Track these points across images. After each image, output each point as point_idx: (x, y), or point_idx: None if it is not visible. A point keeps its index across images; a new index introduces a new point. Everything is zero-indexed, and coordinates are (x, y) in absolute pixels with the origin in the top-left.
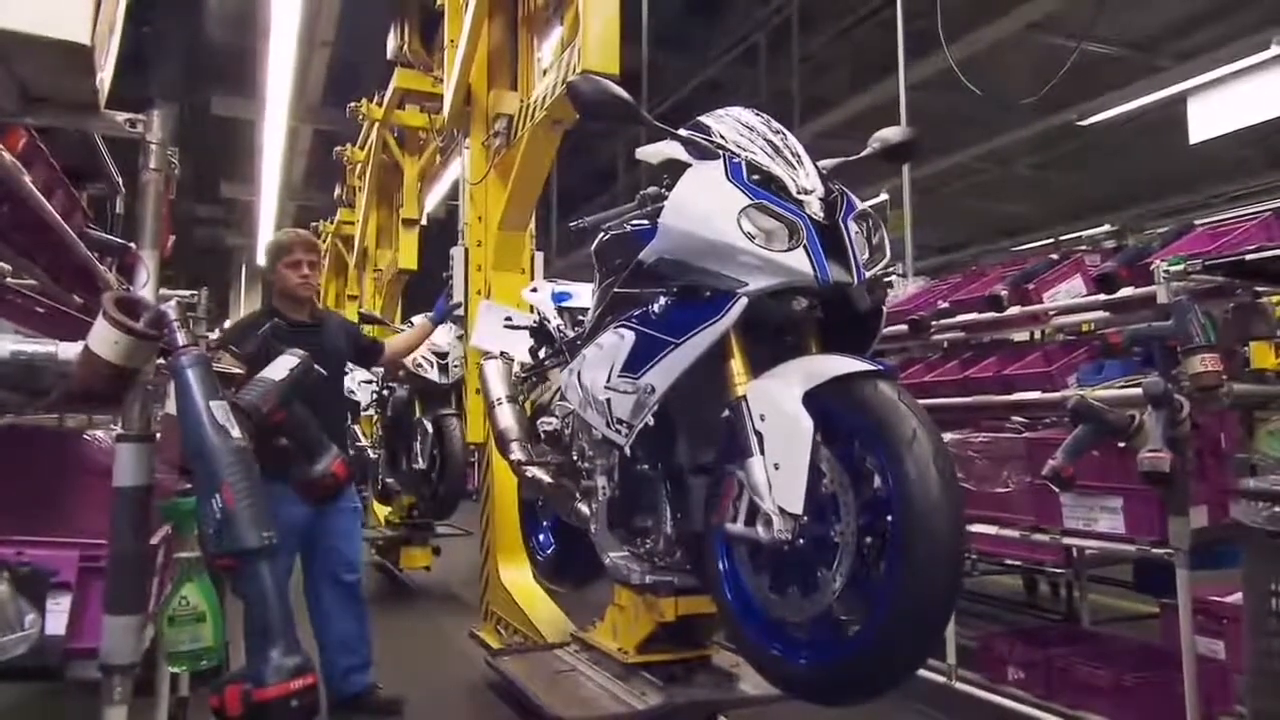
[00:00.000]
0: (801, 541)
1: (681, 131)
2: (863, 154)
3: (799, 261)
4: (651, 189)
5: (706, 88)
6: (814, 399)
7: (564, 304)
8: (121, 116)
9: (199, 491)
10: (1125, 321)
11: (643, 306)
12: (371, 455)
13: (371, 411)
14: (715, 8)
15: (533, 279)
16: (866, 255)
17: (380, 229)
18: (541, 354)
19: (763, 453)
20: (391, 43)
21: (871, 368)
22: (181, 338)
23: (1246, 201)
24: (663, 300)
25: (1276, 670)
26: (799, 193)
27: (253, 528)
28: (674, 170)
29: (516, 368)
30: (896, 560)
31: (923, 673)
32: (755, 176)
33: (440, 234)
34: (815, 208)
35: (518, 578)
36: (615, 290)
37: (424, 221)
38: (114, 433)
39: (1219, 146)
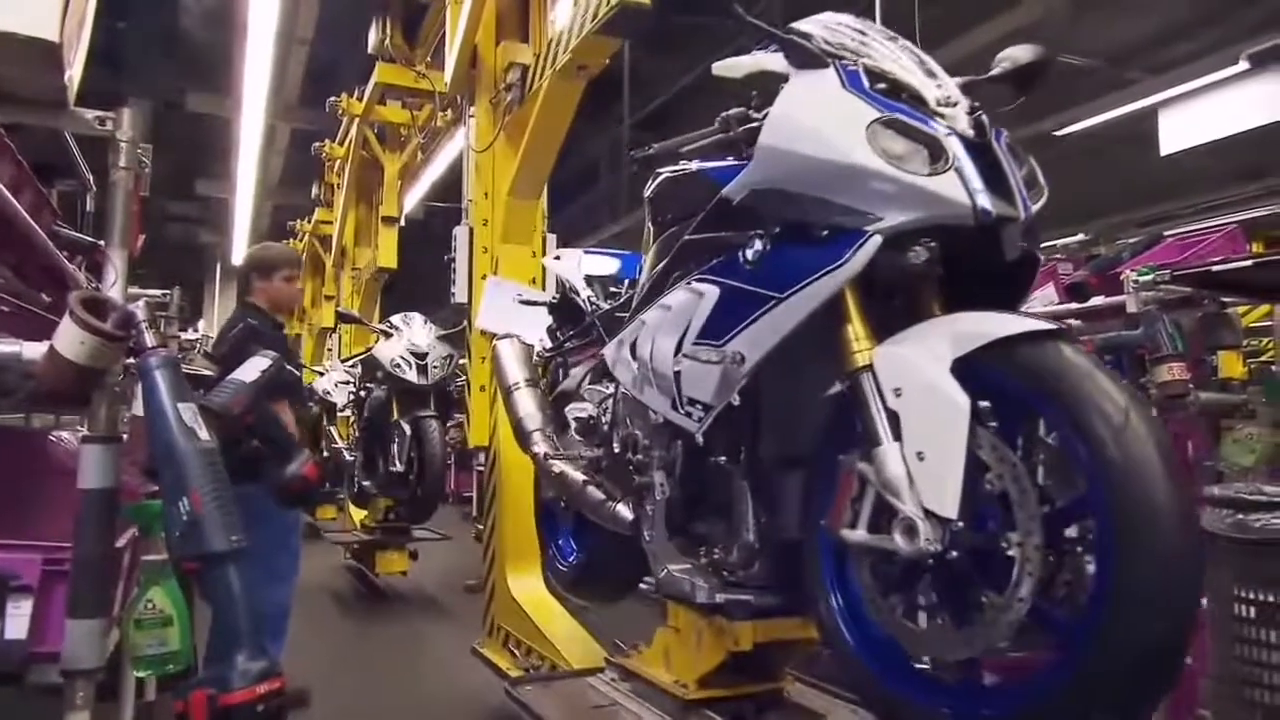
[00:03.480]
0: (955, 554)
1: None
2: (989, 75)
3: (951, 189)
4: (735, 110)
5: (690, 90)
6: (967, 369)
7: (595, 273)
8: (91, 114)
9: (166, 494)
10: (1095, 330)
11: (727, 255)
12: (348, 457)
13: (348, 413)
14: (697, 13)
15: (544, 284)
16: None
17: (359, 227)
18: (560, 336)
19: (899, 438)
20: (373, 36)
21: (1047, 326)
22: (150, 338)
23: (1215, 213)
24: (758, 245)
25: (1240, 675)
26: (939, 105)
27: (220, 531)
28: (765, 86)
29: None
30: (1107, 579)
31: None
32: (881, 86)
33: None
34: (963, 123)
35: (530, 589)
36: (686, 239)
37: (402, 222)
38: (80, 434)
39: (1189, 159)
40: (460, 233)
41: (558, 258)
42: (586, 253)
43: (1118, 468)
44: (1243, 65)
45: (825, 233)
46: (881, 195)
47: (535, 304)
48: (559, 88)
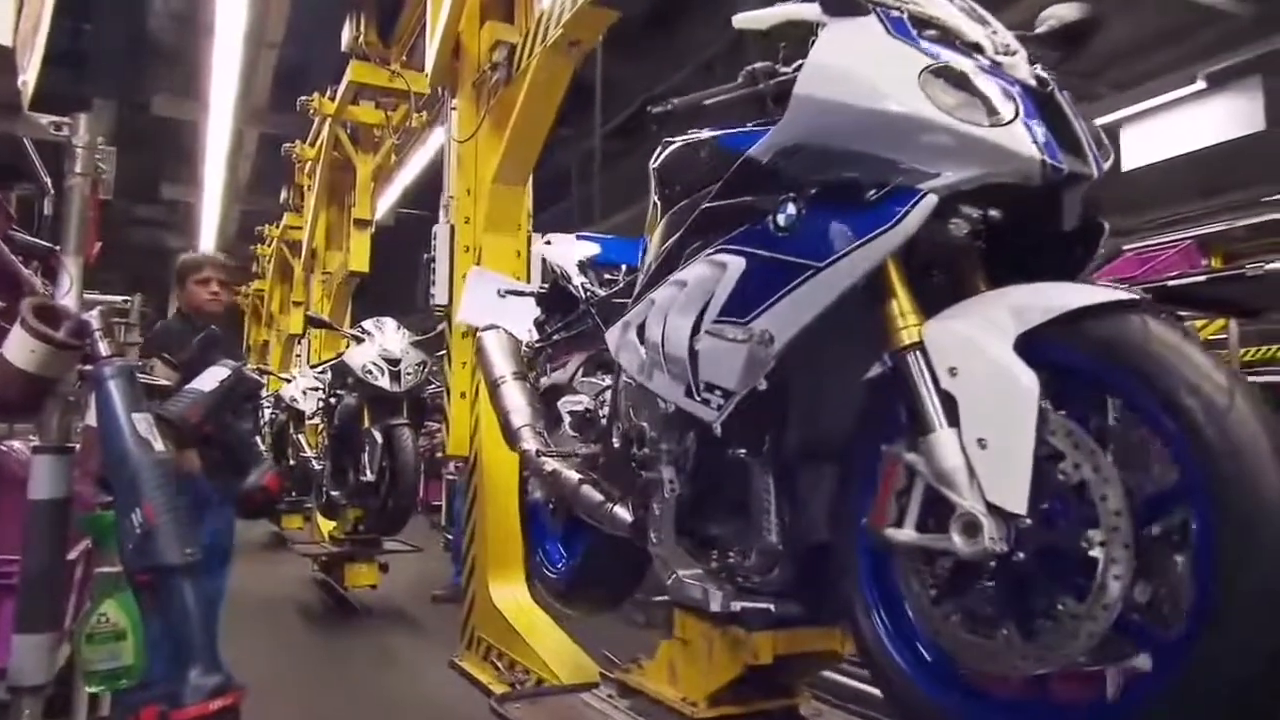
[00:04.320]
0: (1022, 555)
1: None
2: (1034, 33)
3: (1017, 141)
4: (761, 64)
5: (662, 100)
6: (1030, 346)
7: (590, 259)
8: (46, 119)
9: (119, 506)
10: None
11: (755, 222)
12: (316, 466)
13: (317, 420)
14: (673, 22)
15: (529, 277)
16: None
17: (330, 230)
18: (549, 327)
19: (954, 424)
20: (346, 34)
21: (1126, 295)
22: (104, 347)
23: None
24: (791, 209)
25: None
26: (997, 52)
27: (174, 543)
28: (796, 37)
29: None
30: (1209, 582)
31: None
32: (930, 33)
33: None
34: (1024, 71)
35: (514, 598)
36: (705, 207)
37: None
38: (31, 443)
39: (1149, 175)
40: (440, 230)
41: (549, 243)
42: (580, 238)
43: (1221, 453)
44: (1200, 85)
45: (871, 193)
46: (938, 149)
47: (522, 294)
48: (549, 65)
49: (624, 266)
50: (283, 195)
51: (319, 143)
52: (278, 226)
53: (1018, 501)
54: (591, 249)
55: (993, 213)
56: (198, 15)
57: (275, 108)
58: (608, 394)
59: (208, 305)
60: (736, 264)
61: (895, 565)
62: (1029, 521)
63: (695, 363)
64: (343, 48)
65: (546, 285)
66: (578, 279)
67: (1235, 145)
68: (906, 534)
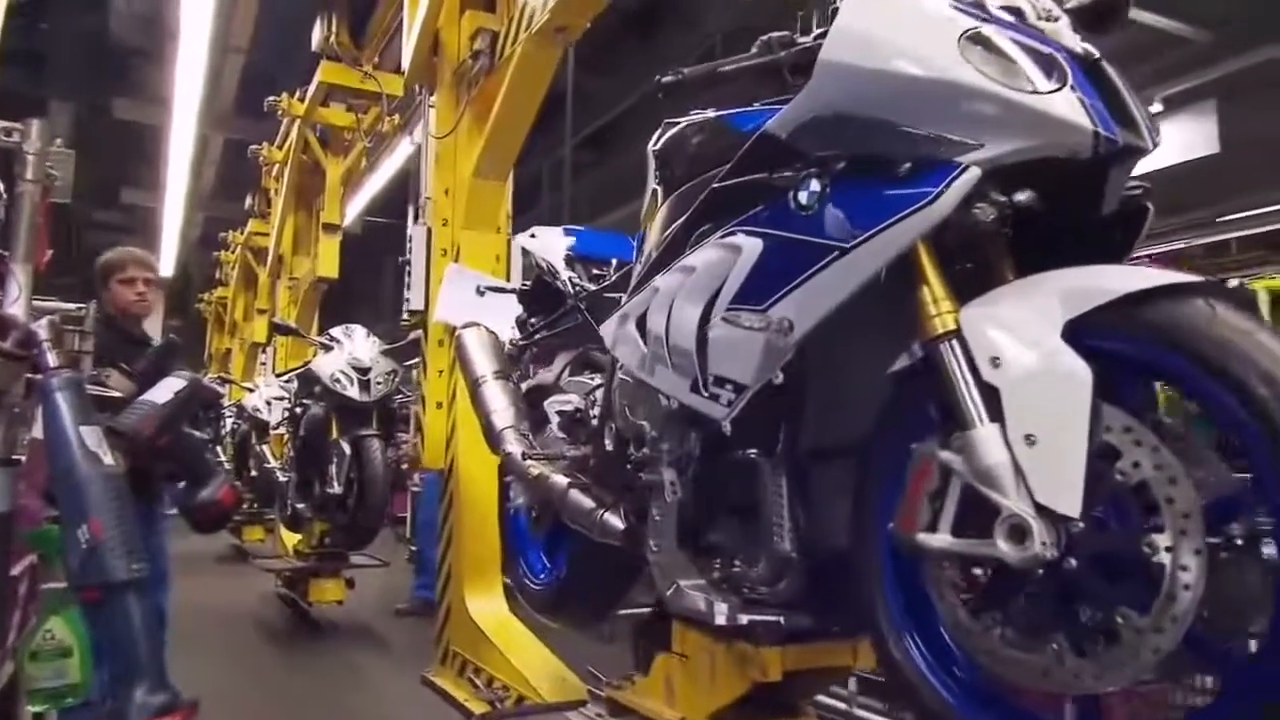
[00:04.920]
0: (1074, 562)
1: None
2: (1064, 8)
3: (1068, 110)
4: (778, 34)
5: (633, 114)
6: (1078, 334)
7: (578, 252)
8: None
9: (65, 520)
10: None
11: (773, 201)
12: (281, 478)
13: (282, 430)
14: (644, 34)
15: (509, 275)
16: None
17: (298, 235)
18: (532, 325)
19: (997, 419)
20: (317, 33)
21: (1186, 279)
22: (52, 358)
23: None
24: (814, 186)
25: None
26: (1040, 18)
27: (122, 559)
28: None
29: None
30: None
31: None
32: None
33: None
34: (1069, 38)
35: (492, 611)
36: (716, 186)
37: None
38: None
39: None
40: (416, 233)
41: (533, 236)
42: (567, 231)
43: None
44: (1158, 107)
45: (906, 166)
46: (980, 118)
47: (503, 291)
48: (534, 53)
49: (614, 260)
50: (248, 201)
51: (287, 145)
52: (242, 233)
53: (1071, 503)
54: (580, 241)
55: (1020, 197)
56: (162, 17)
57: (241, 113)
58: (599, 393)
59: (134, 306)
60: (752, 246)
61: (926, 573)
62: (1082, 525)
63: (704, 354)
64: (313, 47)
65: (529, 282)
66: (565, 273)
67: (1191, 167)
68: (942, 539)
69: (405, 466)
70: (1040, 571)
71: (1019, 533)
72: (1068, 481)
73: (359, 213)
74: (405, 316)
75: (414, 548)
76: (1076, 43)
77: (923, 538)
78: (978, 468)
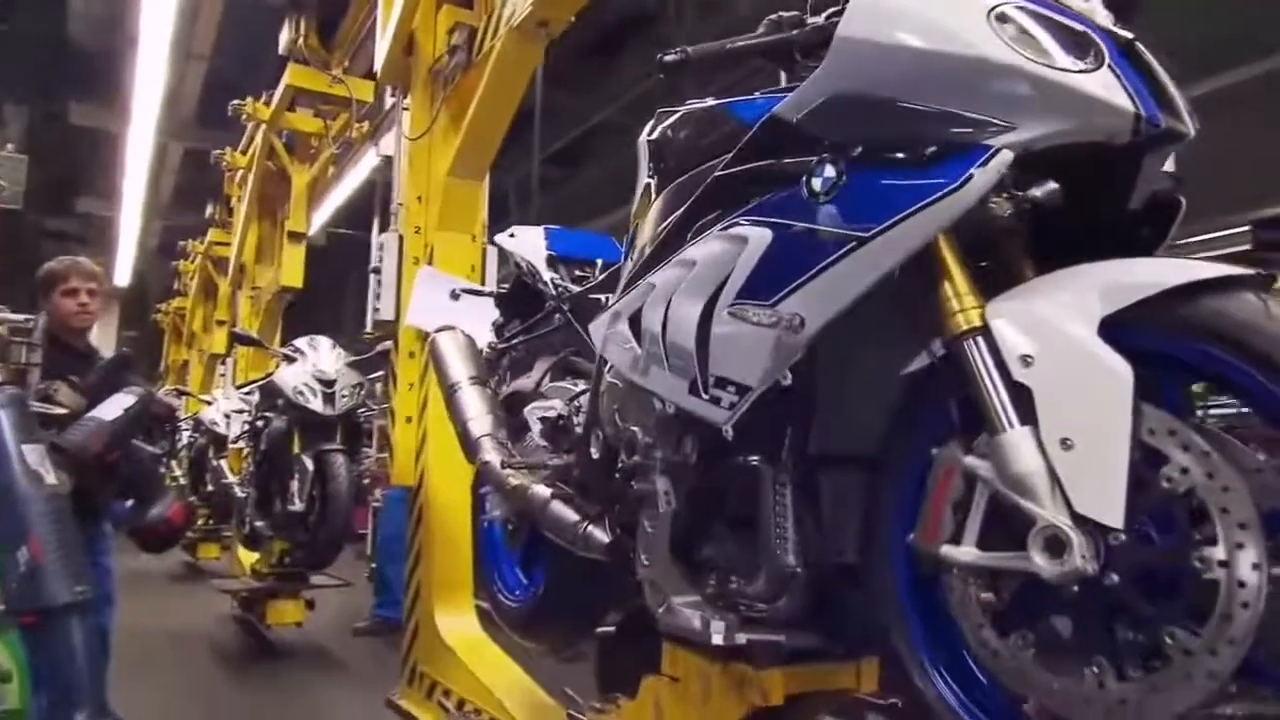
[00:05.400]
0: (1116, 577)
1: None
2: None
3: (1107, 90)
4: (788, 13)
5: (601, 130)
6: (1116, 330)
7: (560, 253)
8: None
9: (3, 542)
10: None
11: (783, 188)
12: (239, 494)
13: (242, 444)
14: (611, 52)
15: (484, 280)
16: None
17: (261, 244)
18: (510, 329)
19: (1028, 422)
20: (285, 35)
21: (1234, 272)
22: None
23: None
24: (829, 172)
25: None
26: None
27: (63, 582)
28: None
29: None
30: None
31: None
32: None
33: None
34: (1103, 16)
35: (463, 629)
36: (719, 175)
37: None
38: None
39: None
40: (388, 240)
41: (513, 235)
42: (548, 230)
43: None
44: None
45: (931, 150)
46: (1013, 98)
47: (479, 294)
48: (515, 48)
49: (599, 261)
50: (209, 210)
51: (252, 150)
52: (202, 242)
53: (1112, 512)
54: (563, 241)
55: (1036, 192)
56: (123, 21)
57: (202, 122)
58: (584, 398)
59: (75, 319)
60: (760, 237)
61: (949, 588)
62: (1124, 536)
63: (705, 354)
64: (280, 50)
65: (507, 285)
66: (547, 274)
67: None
68: (967, 552)
69: (367, 481)
70: (1076, 587)
71: (1056, 545)
72: (1109, 489)
73: (323, 224)
74: (369, 328)
75: (374, 565)
76: (1110, 22)
77: (946, 550)
78: (1008, 474)
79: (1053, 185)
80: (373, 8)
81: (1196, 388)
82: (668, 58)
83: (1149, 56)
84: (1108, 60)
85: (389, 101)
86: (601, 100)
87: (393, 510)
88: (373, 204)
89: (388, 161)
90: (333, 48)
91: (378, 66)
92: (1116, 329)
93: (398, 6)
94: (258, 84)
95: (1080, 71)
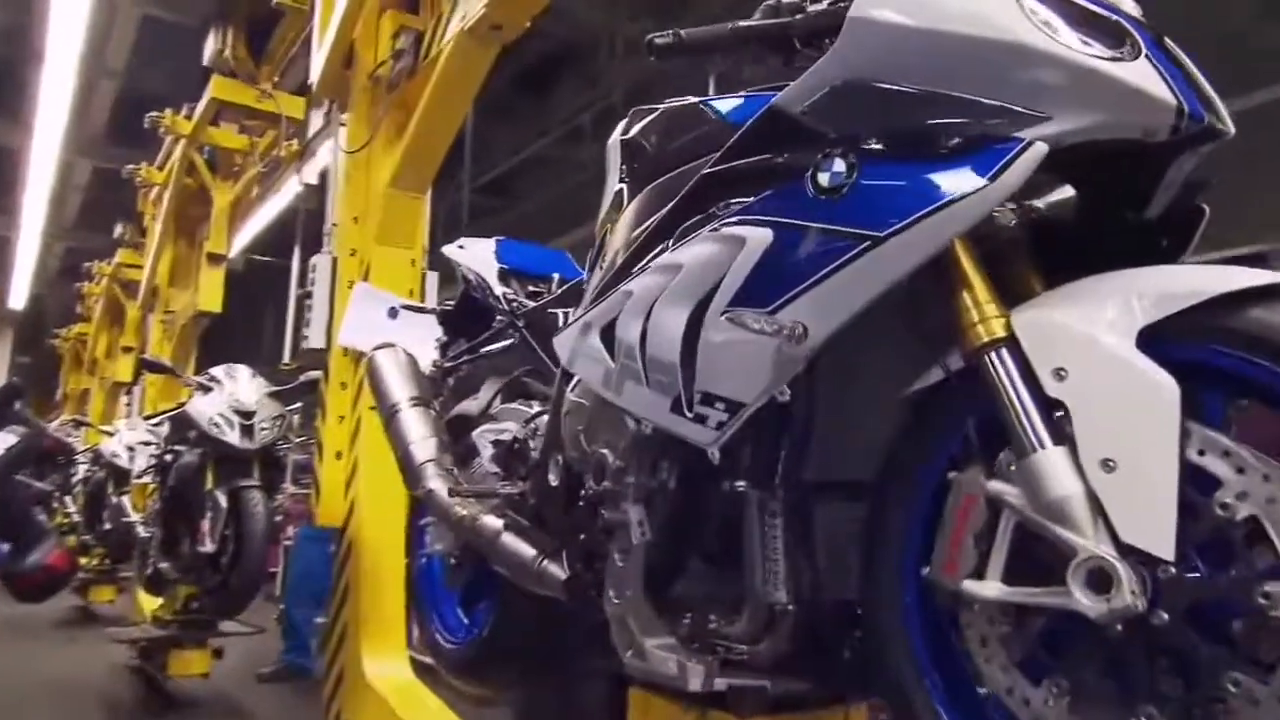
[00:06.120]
0: (1165, 616)
1: None
2: None
3: (1148, 80)
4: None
5: (533, 162)
6: (1153, 343)
7: (514, 266)
8: None
9: None
10: None
11: (784, 185)
12: (142, 533)
13: (147, 480)
14: (545, 85)
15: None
16: None
17: (177, 265)
18: (456, 348)
19: (1063, 441)
20: (210, 45)
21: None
22: None
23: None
24: (839, 166)
25: None
26: None
27: None
28: None
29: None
30: None
31: None
32: None
33: (238, 288)
34: (1130, 5)
35: (394, 673)
36: (708, 172)
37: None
38: None
39: None
40: (320, 262)
41: (462, 247)
42: (500, 243)
43: None
44: None
45: (955, 142)
46: (1047, 87)
47: (420, 311)
48: (465, 53)
49: (556, 276)
50: (118, 230)
51: (169, 166)
52: (110, 264)
53: (1163, 541)
54: (514, 255)
55: (1041, 204)
56: (28, 32)
57: (113, 140)
58: (542, 420)
59: None
60: (759, 237)
61: (968, 627)
62: (1173, 569)
63: (691, 368)
64: (205, 61)
65: (452, 301)
66: (499, 288)
67: None
68: (992, 587)
69: (280, 519)
70: (1120, 627)
71: (1102, 578)
72: (1158, 515)
73: (242, 249)
74: (287, 359)
75: (283, 607)
76: (1136, 11)
77: (969, 586)
78: (1042, 500)
79: (1068, 192)
80: (307, 20)
81: None
82: (658, 39)
83: (1178, 50)
84: (1144, 50)
85: (314, 126)
86: (533, 132)
87: (304, 549)
88: (294, 231)
89: (310, 190)
90: (261, 61)
91: (313, 79)
92: (1153, 341)
93: (337, 15)
94: (176, 102)
95: (1120, 60)
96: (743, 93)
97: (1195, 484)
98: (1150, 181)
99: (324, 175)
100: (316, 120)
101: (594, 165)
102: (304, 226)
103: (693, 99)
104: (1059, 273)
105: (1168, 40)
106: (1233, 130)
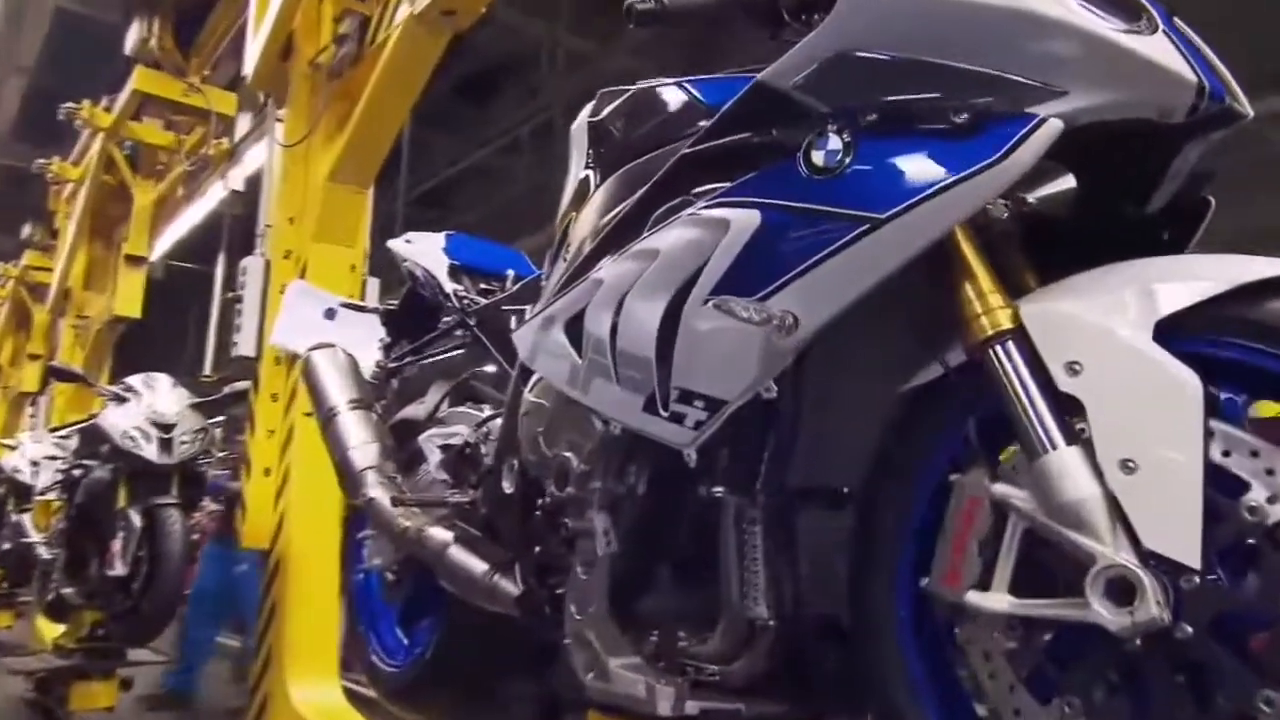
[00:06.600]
0: (1190, 628)
1: None
2: None
3: (1168, 55)
4: None
5: (472, 172)
6: (1172, 336)
7: (465, 262)
8: None
9: None
10: None
11: (772, 164)
12: (44, 555)
13: (52, 496)
14: (484, 96)
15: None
16: None
17: (92, 268)
18: (400, 348)
19: (1076, 441)
20: (133, 34)
21: None
22: None
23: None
24: (833, 144)
25: None
26: None
27: None
28: None
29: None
30: None
31: None
32: None
33: (157, 295)
34: None
35: (323, 699)
36: (687, 152)
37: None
38: None
39: None
40: (251, 265)
41: (409, 242)
42: (450, 237)
43: None
44: None
45: (962, 118)
46: (1065, 60)
47: (361, 310)
48: (414, 39)
49: (510, 273)
50: (26, 230)
51: (86, 162)
52: (16, 266)
53: (1188, 549)
54: (465, 251)
55: (1032, 197)
56: None
57: (20, 137)
58: (495, 424)
59: None
60: (745, 220)
61: (970, 642)
62: (1197, 579)
63: (667, 362)
64: (127, 50)
65: (396, 300)
66: (449, 285)
67: None
68: (999, 599)
69: (196, 538)
70: (1139, 641)
71: (1123, 589)
72: (1181, 520)
73: (162, 254)
74: (208, 370)
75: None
76: None
77: (974, 598)
78: (1055, 504)
79: (1069, 181)
80: (242, 9)
81: None
82: (640, 5)
83: (1189, 30)
84: (1161, 25)
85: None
86: (472, 143)
87: (209, 566)
88: (219, 236)
89: (237, 196)
90: (190, 54)
91: (248, 70)
92: (1169, 334)
93: (275, 2)
94: (92, 98)
95: (1140, 34)
96: (720, 74)
97: (1218, 486)
98: (1156, 170)
99: (253, 180)
100: (244, 125)
101: (531, 178)
102: (230, 230)
103: (667, 80)
104: (1052, 270)
105: (1177, 19)
106: (1250, 113)
